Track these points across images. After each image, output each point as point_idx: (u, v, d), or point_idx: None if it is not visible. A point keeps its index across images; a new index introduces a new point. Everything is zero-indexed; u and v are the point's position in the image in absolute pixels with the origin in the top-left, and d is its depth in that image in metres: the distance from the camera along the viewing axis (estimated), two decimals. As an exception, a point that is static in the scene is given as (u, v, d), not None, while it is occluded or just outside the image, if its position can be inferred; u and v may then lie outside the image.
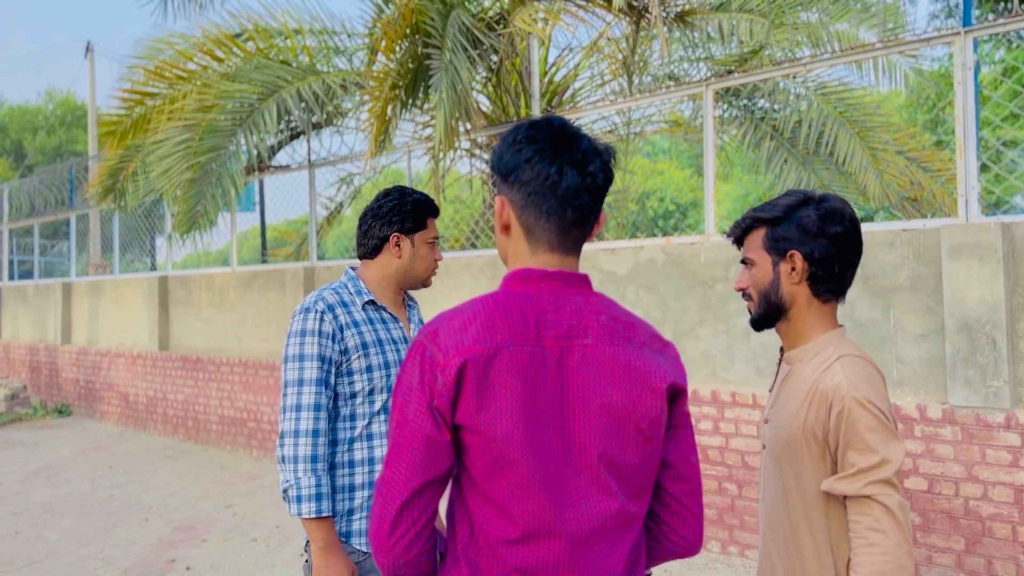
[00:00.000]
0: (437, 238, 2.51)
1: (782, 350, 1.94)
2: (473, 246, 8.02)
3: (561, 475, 1.39)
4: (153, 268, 12.10)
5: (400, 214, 2.42)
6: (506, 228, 1.50)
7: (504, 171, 1.47)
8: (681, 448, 1.53)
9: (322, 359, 2.29)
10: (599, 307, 1.47)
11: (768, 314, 1.87)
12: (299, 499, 2.19)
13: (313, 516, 2.19)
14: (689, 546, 1.58)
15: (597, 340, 1.43)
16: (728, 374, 5.32)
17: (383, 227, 2.43)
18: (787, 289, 1.83)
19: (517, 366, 1.37)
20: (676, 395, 1.49)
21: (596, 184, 1.45)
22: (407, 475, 1.38)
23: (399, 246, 2.43)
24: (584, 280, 1.49)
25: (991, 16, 4.60)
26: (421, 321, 2.62)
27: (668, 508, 1.54)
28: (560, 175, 1.42)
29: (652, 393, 1.44)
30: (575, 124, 1.72)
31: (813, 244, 1.79)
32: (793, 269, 1.81)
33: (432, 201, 2.50)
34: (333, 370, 2.32)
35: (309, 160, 8.72)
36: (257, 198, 11.98)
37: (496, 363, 1.36)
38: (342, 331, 2.33)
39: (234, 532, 6.00)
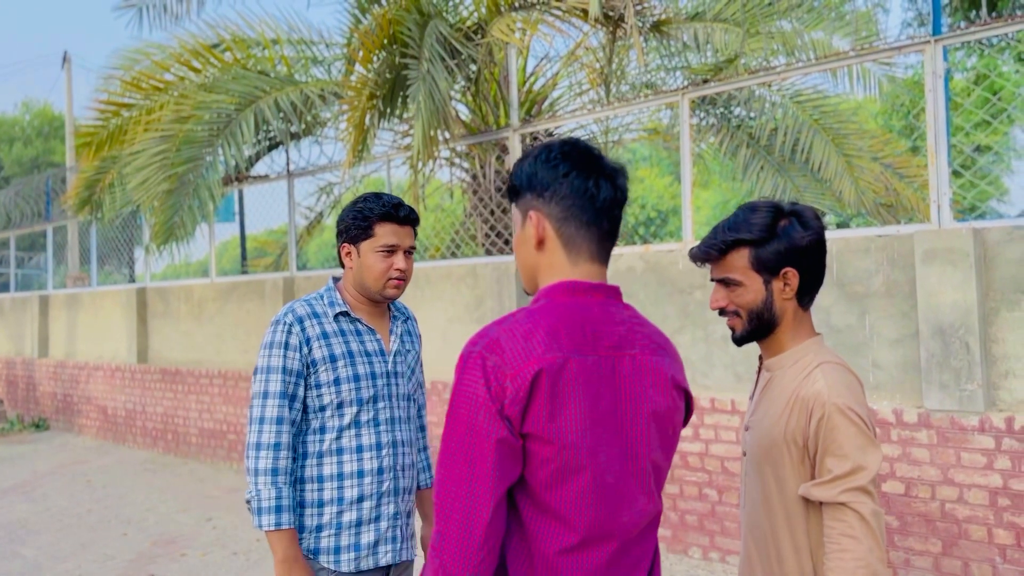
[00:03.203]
0: (394, 246, 2.37)
1: (761, 358, 1.95)
2: (454, 255, 8.03)
3: (619, 480, 1.46)
4: (132, 280, 12.01)
5: (344, 223, 2.41)
6: (540, 243, 1.55)
7: (540, 187, 1.54)
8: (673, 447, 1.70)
9: (287, 371, 2.29)
10: (637, 318, 1.58)
11: (758, 331, 1.88)
12: (260, 511, 2.21)
13: (273, 528, 2.19)
14: None
15: (643, 350, 1.53)
16: (707, 380, 5.35)
17: (337, 238, 2.45)
18: (779, 306, 1.84)
19: (584, 375, 1.42)
20: (690, 399, 1.65)
21: (624, 197, 1.57)
22: (490, 484, 1.37)
23: (349, 256, 2.42)
24: (619, 292, 1.59)
25: (962, 24, 4.67)
26: (408, 333, 2.56)
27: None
28: (597, 188, 1.52)
29: (680, 398, 1.58)
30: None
31: (807, 259, 1.81)
32: (786, 285, 1.82)
33: (390, 208, 2.37)
34: (301, 382, 2.31)
35: (288, 170, 8.69)
36: (236, 208, 11.93)
37: (565, 372, 1.39)
38: (309, 343, 2.32)
39: (214, 546, 5.95)
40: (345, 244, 2.42)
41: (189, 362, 9.61)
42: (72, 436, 11.21)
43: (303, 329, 2.32)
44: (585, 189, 1.50)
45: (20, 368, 12.76)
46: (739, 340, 1.91)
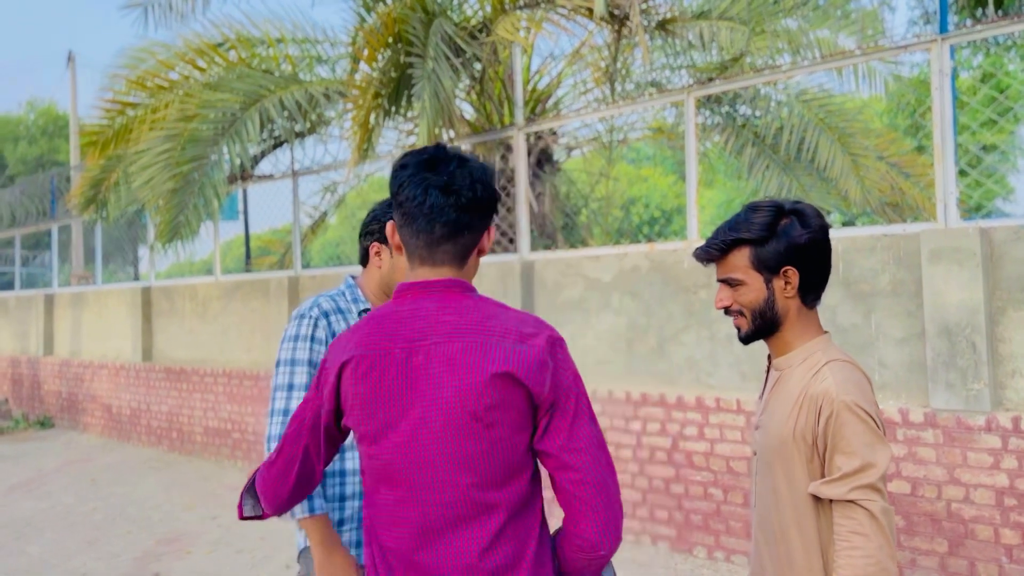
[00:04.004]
0: None
1: (770, 357, 1.96)
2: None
3: (407, 468, 1.57)
4: (136, 278, 12.02)
5: (378, 223, 2.40)
6: (398, 248, 1.70)
7: (392, 196, 1.68)
8: (557, 437, 1.56)
9: (312, 364, 2.29)
10: (456, 308, 1.60)
11: (762, 330, 1.89)
12: None
13: (307, 515, 2.19)
14: (587, 544, 1.58)
15: (441, 339, 1.56)
16: (712, 380, 5.34)
17: (365, 236, 2.44)
18: (781, 304, 1.85)
19: (366, 368, 1.59)
20: (518, 381, 1.53)
21: (460, 202, 1.60)
22: (301, 452, 1.72)
23: (379, 255, 2.42)
24: (452, 284, 1.63)
25: (968, 22, 4.66)
26: None
27: (562, 497, 1.59)
28: (425, 195, 1.60)
29: (484, 381, 1.52)
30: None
31: (806, 258, 1.82)
32: (787, 284, 1.83)
33: None
34: None
35: (293, 169, 8.70)
36: (241, 207, 11.94)
37: (350, 367, 1.61)
38: (335, 337, 2.32)
39: (219, 544, 5.96)
40: (375, 243, 2.42)
41: (194, 360, 9.62)
42: (77, 434, 11.23)
43: (329, 324, 2.33)
44: (413, 197, 1.60)
45: (25, 366, 12.79)
46: (745, 339, 1.92)
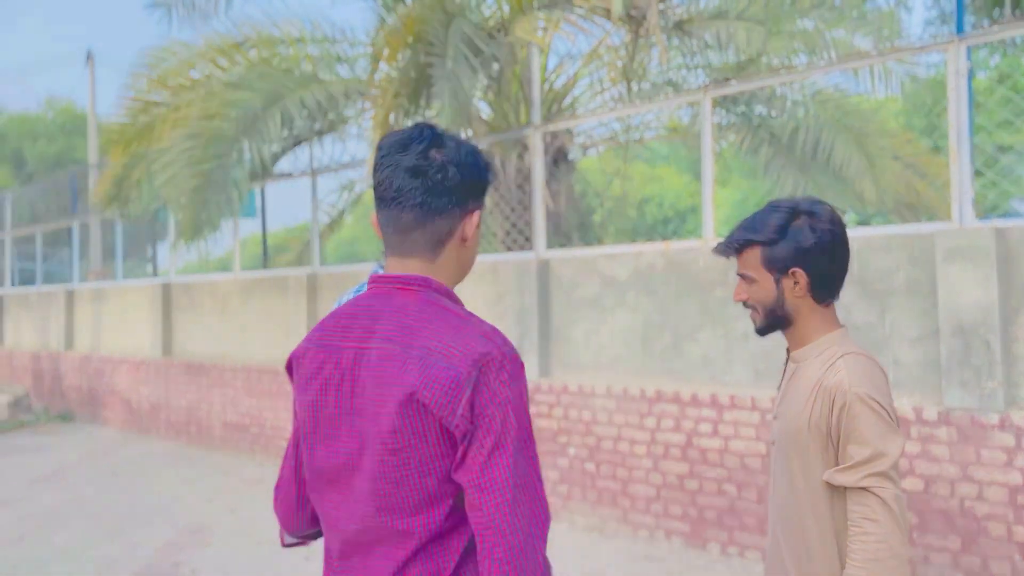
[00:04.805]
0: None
1: (788, 350, 2.03)
2: (474, 252, 8.09)
3: (336, 479, 1.47)
4: (154, 275, 12.16)
5: None
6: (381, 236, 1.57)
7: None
8: (469, 471, 1.35)
9: None
10: (402, 309, 1.44)
11: (774, 324, 1.96)
12: None
13: None
14: None
15: (382, 343, 1.42)
16: (727, 377, 5.38)
17: None
18: (791, 302, 1.92)
19: (315, 366, 1.50)
20: (423, 406, 1.35)
21: (428, 184, 1.44)
22: (292, 451, 1.65)
23: None
24: (411, 281, 1.47)
25: (985, 23, 4.68)
26: None
27: (478, 539, 1.36)
28: (393, 178, 1.46)
29: (392, 402, 1.37)
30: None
31: (814, 259, 1.88)
32: (796, 284, 1.89)
33: None
34: None
35: (312, 167, 8.79)
36: (259, 205, 12.05)
37: (300, 362, 1.54)
38: None
39: (239, 535, 6.05)
40: None
41: (213, 356, 9.74)
42: (97, 428, 11.38)
43: None
44: (381, 182, 1.47)
45: (46, 361, 12.96)
46: (759, 332, 2.00)
